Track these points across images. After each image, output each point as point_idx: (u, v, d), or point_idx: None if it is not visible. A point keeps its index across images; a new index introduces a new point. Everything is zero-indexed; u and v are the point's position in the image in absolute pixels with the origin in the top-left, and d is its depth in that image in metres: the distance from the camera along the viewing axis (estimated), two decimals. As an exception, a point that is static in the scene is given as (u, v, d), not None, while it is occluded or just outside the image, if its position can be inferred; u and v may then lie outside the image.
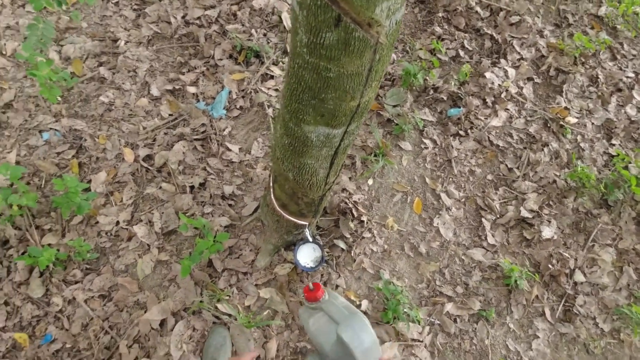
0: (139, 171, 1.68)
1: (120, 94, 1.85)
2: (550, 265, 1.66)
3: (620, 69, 2.20)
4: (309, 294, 0.82)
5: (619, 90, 2.14)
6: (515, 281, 1.58)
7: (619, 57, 2.24)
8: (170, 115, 1.83)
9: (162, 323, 1.42)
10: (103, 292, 1.45)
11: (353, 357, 0.69)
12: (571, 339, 1.57)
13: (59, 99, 1.79)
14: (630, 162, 1.89)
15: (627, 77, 2.17)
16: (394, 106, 1.95)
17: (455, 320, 1.54)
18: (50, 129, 1.71)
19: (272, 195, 1.28)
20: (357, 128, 0.93)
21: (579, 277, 1.66)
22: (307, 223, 1.33)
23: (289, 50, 0.78)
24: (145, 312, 1.43)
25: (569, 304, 1.62)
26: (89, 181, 1.63)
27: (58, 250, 1.46)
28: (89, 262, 1.50)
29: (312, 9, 0.60)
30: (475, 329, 1.54)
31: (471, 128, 1.95)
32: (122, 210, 1.60)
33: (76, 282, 1.46)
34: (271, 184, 1.26)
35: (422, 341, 1.49)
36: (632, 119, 2.06)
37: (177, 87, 1.89)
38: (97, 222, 1.56)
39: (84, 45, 1.92)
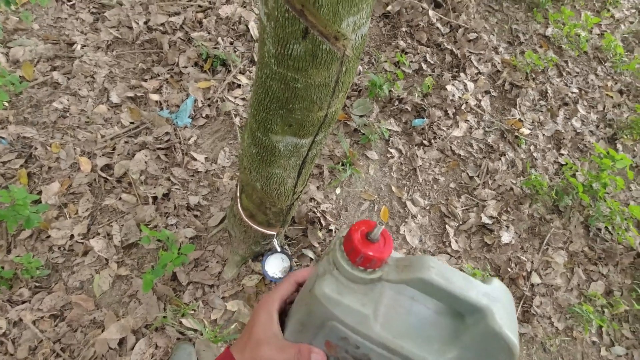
0: (97, 181, 1.60)
1: (76, 100, 1.75)
2: (509, 269, 1.74)
3: (566, 84, 2.39)
4: (374, 249, 0.37)
5: (566, 104, 2.32)
6: (478, 285, 1.65)
7: (564, 74, 2.43)
8: (131, 123, 1.75)
9: (121, 342, 1.34)
10: (54, 312, 1.35)
11: None
12: (529, 338, 1.65)
13: (6, 104, 1.66)
14: (577, 171, 2.04)
15: (572, 92, 2.36)
16: (361, 116, 1.99)
17: (422, 326, 1.58)
18: (-4, 136, 1.59)
19: (239, 206, 1.25)
20: (325, 138, 0.94)
21: (535, 279, 1.76)
22: (275, 233, 1.32)
23: (256, 60, 0.78)
24: (102, 331, 1.34)
25: (527, 305, 1.71)
26: (40, 192, 1.52)
27: (2, 267, 1.35)
28: (39, 279, 1.39)
29: (279, 21, 0.60)
30: (441, 333, 1.58)
31: (434, 138, 2.03)
32: (77, 223, 1.50)
33: (23, 302, 1.34)
34: (238, 194, 1.24)
35: (390, 348, 1.50)
36: (577, 131, 2.23)
37: (139, 94, 1.82)
38: (49, 236, 1.45)
39: (35, 47, 1.81)
